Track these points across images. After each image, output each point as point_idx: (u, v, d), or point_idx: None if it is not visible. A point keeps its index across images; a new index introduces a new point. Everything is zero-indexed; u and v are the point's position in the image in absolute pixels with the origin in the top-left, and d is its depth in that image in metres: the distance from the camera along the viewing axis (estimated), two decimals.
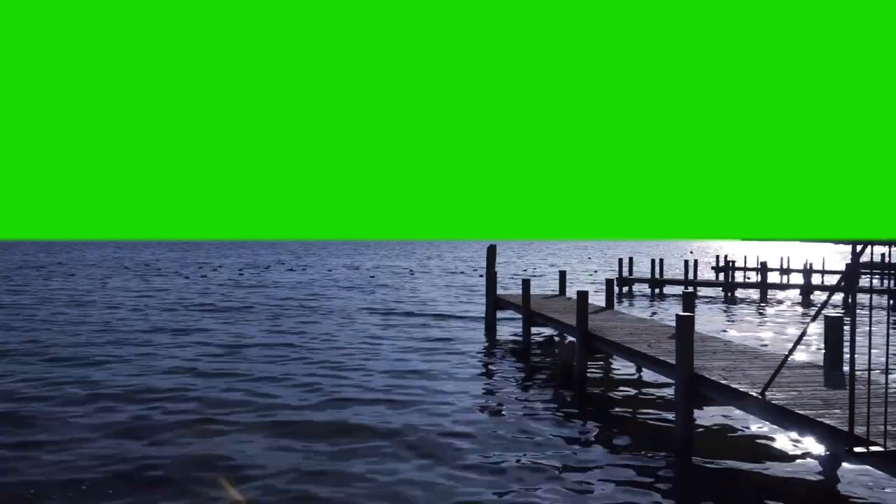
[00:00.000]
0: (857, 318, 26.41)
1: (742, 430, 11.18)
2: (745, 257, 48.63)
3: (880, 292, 32.93)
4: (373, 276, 52.30)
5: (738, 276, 55.44)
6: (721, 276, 53.93)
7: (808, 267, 38.70)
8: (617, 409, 12.55)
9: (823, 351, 10.77)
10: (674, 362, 11.20)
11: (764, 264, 37.20)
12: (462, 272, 59.19)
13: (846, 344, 20.71)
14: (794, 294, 39.99)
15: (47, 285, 44.50)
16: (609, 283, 19.97)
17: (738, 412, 12.41)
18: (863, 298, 36.82)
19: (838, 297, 36.90)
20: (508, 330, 23.25)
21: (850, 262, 19.52)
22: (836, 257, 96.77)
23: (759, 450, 10.18)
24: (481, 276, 54.43)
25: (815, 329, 24.00)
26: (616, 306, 30.96)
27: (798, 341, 8.08)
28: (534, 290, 38.69)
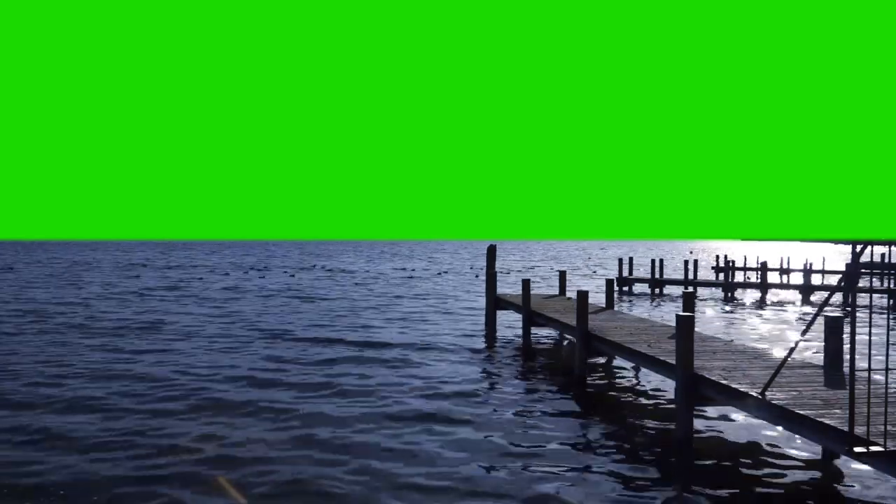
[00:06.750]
0: (857, 318, 26.40)
1: (742, 430, 11.18)
2: (745, 257, 48.62)
3: (880, 292, 32.93)
4: (409, 276, 52.30)
5: (738, 276, 55.45)
6: (721, 276, 53.91)
7: (808, 267, 38.70)
8: (617, 409, 12.55)
9: (823, 351, 10.77)
10: (674, 362, 11.21)
11: (764, 264, 37.21)
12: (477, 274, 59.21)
13: (846, 344, 20.72)
14: (794, 294, 39.99)
15: None
16: (609, 283, 19.97)
17: (738, 412, 12.41)
18: (863, 298, 36.82)
19: (838, 297, 36.90)
20: (508, 330, 23.26)
21: (850, 262, 19.53)
22: (836, 257, 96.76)
23: (759, 450, 10.19)
24: (477, 276, 54.43)
25: (816, 329, 24.01)
26: (616, 306, 30.96)
27: (798, 341, 8.08)
28: (533, 290, 38.68)
